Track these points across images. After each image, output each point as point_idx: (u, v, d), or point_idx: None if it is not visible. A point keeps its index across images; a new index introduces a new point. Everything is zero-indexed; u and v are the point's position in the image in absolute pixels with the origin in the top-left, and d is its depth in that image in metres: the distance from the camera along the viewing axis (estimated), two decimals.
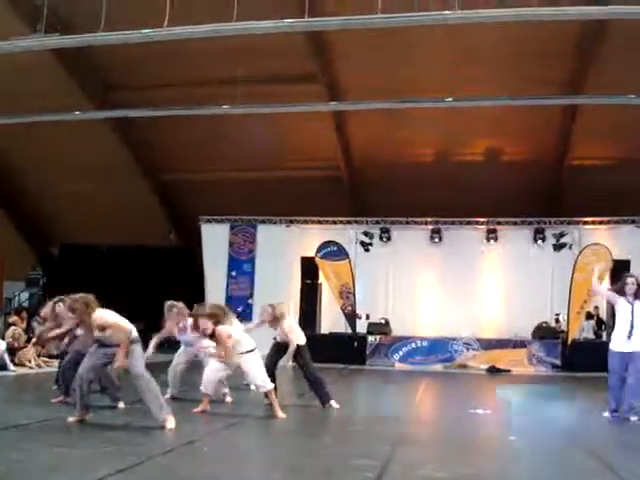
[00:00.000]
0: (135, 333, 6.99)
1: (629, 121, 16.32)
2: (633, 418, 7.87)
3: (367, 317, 18.06)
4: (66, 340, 8.52)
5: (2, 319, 18.89)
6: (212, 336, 7.83)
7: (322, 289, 18.32)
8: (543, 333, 17.12)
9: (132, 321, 6.99)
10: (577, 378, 14.48)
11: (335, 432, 7.59)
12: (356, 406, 10.67)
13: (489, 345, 17.05)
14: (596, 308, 17.06)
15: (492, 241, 18.40)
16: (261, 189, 19.21)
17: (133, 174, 20.42)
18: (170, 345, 9.81)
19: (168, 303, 9.20)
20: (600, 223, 18.35)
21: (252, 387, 8.67)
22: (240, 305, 17.69)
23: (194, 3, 12.20)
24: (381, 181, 19.15)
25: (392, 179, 18.88)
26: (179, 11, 10.70)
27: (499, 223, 18.50)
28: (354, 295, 18.07)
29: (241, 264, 19.51)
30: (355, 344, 17.38)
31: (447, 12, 10.30)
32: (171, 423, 6.74)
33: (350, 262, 18.36)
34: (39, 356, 13.27)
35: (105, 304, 7.01)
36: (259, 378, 7.94)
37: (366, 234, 18.83)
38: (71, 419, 6.89)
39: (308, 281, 18.06)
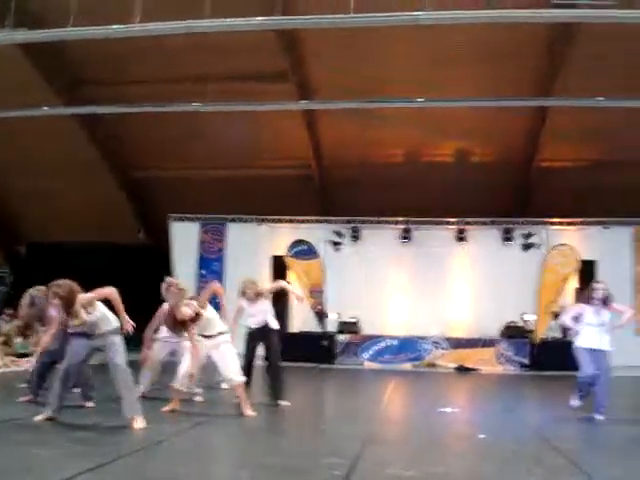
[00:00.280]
0: (117, 323, 6.96)
1: (598, 123, 16.54)
2: (600, 417, 7.99)
3: (337, 316, 18.09)
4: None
5: None
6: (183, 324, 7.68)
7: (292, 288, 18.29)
8: (511, 332, 17.30)
9: None
10: (545, 377, 14.65)
11: (305, 431, 7.60)
12: (326, 405, 10.69)
13: (458, 344, 17.20)
14: (563, 308, 17.25)
15: (461, 241, 18.53)
16: (232, 187, 19.12)
17: (102, 171, 20.20)
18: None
19: (167, 280, 8.25)
20: (568, 224, 18.56)
21: (223, 385, 8.64)
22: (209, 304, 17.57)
23: None
24: (352, 180, 19.18)
25: (363, 179, 18.93)
26: (151, 7, 10.62)
27: (468, 223, 18.64)
28: (324, 294, 18.09)
29: (211, 263, 19.40)
30: (325, 343, 17.41)
31: (418, 13, 10.36)
32: (140, 423, 6.69)
33: (320, 261, 18.38)
34: (6, 355, 13.09)
35: None
36: (230, 370, 7.89)
37: (337, 233, 18.85)
38: (39, 417, 6.81)
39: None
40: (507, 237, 18.35)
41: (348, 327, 17.79)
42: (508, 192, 19.30)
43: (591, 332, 8.14)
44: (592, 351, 8.09)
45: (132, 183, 21.16)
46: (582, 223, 18.38)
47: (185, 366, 7.93)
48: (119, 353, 6.86)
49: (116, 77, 16.80)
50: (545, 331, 17.02)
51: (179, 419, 7.52)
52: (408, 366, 16.99)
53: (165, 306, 8.54)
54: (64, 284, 6.79)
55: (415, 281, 18.48)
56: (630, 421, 8.21)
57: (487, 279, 18.07)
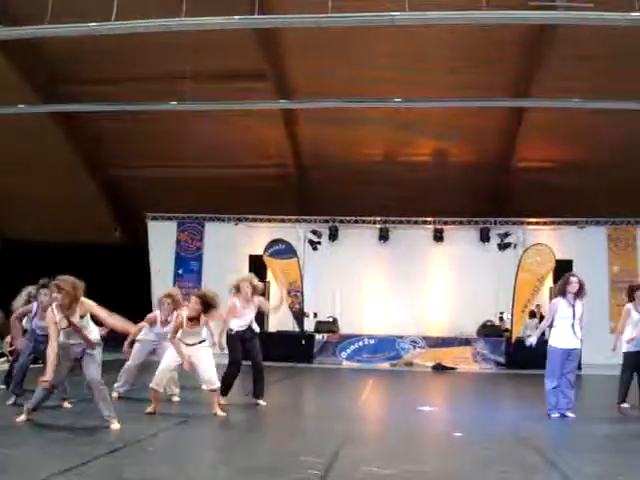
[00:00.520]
0: (98, 336, 6.91)
1: (574, 124, 16.70)
2: (571, 415, 8.07)
3: (315, 315, 18.11)
4: None
5: None
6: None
7: (270, 288, 18.29)
8: (488, 331, 17.43)
9: None
10: (521, 375, 14.76)
11: (283, 430, 7.60)
12: (304, 404, 10.70)
13: (435, 343, 17.29)
14: (538, 306, 17.42)
15: (439, 241, 18.62)
16: (210, 186, 19.05)
17: (78, 169, 20.04)
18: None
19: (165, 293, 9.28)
20: (544, 224, 18.74)
21: (203, 386, 8.62)
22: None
23: None
24: (330, 180, 19.21)
25: (341, 178, 18.96)
26: (129, 5, 10.54)
27: (446, 223, 18.74)
28: (302, 293, 18.11)
29: (188, 262, 19.34)
30: (303, 342, 17.43)
31: (395, 13, 10.38)
32: (116, 423, 6.66)
33: (298, 261, 18.39)
34: None
35: None
36: (208, 374, 7.91)
37: (314, 233, 18.87)
38: (20, 418, 6.76)
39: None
40: (484, 237, 18.48)
41: (326, 326, 17.81)
42: (485, 192, 19.44)
43: (564, 327, 8.20)
44: (565, 353, 8.15)
45: (109, 182, 21.02)
46: (558, 223, 18.58)
47: (164, 366, 7.93)
48: (95, 366, 6.78)
49: (93, 75, 16.67)
50: (521, 330, 17.15)
51: (156, 420, 7.49)
52: (386, 365, 17.04)
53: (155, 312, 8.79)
54: (68, 279, 6.70)
55: (393, 280, 18.54)
56: (605, 419, 8.29)
57: (464, 278, 18.18)
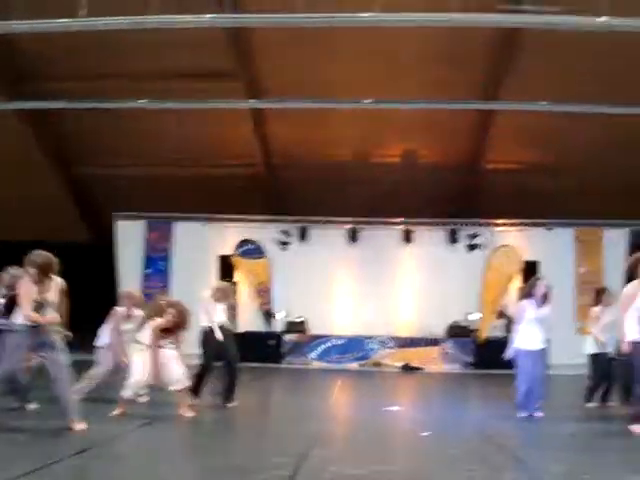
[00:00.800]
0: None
1: (543, 127, 16.85)
2: (539, 414, 8.16)
3: (284, 316, 18.06)
4: None
5: None
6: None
7: (239, 288, 18.23)
8: (456, 332, 17.54)
9: None
10: (489, 375, 14.88)
11: (251, 431, 7.57)
12: (273, 405, 10.68)
13: (404, 343, 17.36)
14: (505, 307, 17.59)
15: (408, 242, 18.69)
16: (179, 186, 18.89)
17: (45, 168, 19.75)
18: None
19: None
20: (512, 225, 18.89)
21: (171, 387, 8.56)
22: None
23: None
24: (300, 180, 19.18)
25: (311, 178, 18.93)
26: (98, 1, 10.42)
27: (415, 224, 18.81)
28: (271, 294, 18.07)
29: (157, 262, 19.15)
30: (272, 343, 17.38)
31: (365, 14, 10.41)
32: (81, 424, 6.57)
33: (268, 261, 18.33)
34: None
35: None
36: (177, 373, 7.87)
37: (284, 233, 18.81)
38: None
39: (225, 280, 17.91)
40: (453, 238, 18.60)
41: (295, 327, 17.78)
42: (454, 193, 19.54)
43: (530, 329, 8.29)
44: (532, 354, 8.24)
45: (76, 180, 20.75)
46: (526, 224, 18.74)
47: (138, 377, 7.87)
48: (61, 352, 6.71)
49: (60, 73, 16.42)
50: (489, 330, 17.29)
51: (123, 420, 7.41)
52: (355, 365, 17.07)
53: (120, 310, 8.72)
54: (42, 253, 6.66)
55: (362, 281, 18.56)
56: (570, 418, 8.39)
57: (433, 279, 18.26)
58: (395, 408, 9.15)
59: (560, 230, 18.47)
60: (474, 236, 18.51)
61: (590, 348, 9.52)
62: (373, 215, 18.62)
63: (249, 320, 17.99)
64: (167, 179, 18.96)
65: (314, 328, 17.94)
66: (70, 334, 7.12)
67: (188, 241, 18.73)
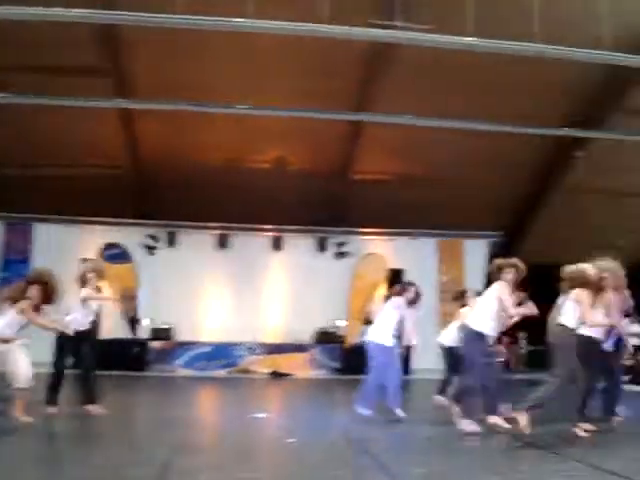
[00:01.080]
0: None
1: (408, 140, 17.40)
2: (402, 414, 8.38)
3: (150, 322, 17.65)
4: None
5: None
6: None
7: (103, 293, 17.60)
8: (323, 338, 17.78)
9: None
10: (355, 380, 15.12)
11: (111, 440, 7.30)
12: (136, 414, 10.37)
13: (272, 350, 17.40)
14: (370, 313, 17.98)
15: (278, 249, 18.76)
16: (40, 186, 18.03)
17: None
18: None
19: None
20: (378, 234, 19.39)
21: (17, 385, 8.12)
22: None
23: None
24: (169, 184, 18.81)
25: (181, 182, 18.61)
26: None
27: (285, 231, 18.92)
28: (137, 299, 17.61)
29: (16, 265, 18.19)
30: (137, 350, 16.94)
31: (239, 19, 10.38)
32: None
33: (134, 265, 17.86)
34: None
35: None
36: (23, 372, 7.50)
37: (152, 237, 18.40)
38: None
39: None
40: (321, 246, 18.85)
41: (161, 333, 17.43)
42: (324, 201, 19.80)
43: (388, 325, 8.56)
44: (387, 349, 8.49)
45: None
46: (392, 233, 19.28)
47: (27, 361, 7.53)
48: None
49: None
50: (355, 336, 17.61)
51: None
52: (222, 372, 16.93)
53: None
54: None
55: (231, 287, 18.45)
56: (431, 421, 8.65)
57: (301, 286, 18.43)
58: (262, 415, 9.12)
59: (424, 240, 19.16)
60: (342, 244, 18.84)
61: (446, 340, 9.82)
62: (243, 221, 18.56)
63: (113, 327, 17.44)
64: (28, 179, 18.06)
65: (181, 335, 17.65)
66: None
67: (50, 244, 17.94)
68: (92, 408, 8.57)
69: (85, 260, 9.34)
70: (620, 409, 8.05)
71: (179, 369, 16.94)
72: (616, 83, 16.34)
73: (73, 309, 8.75)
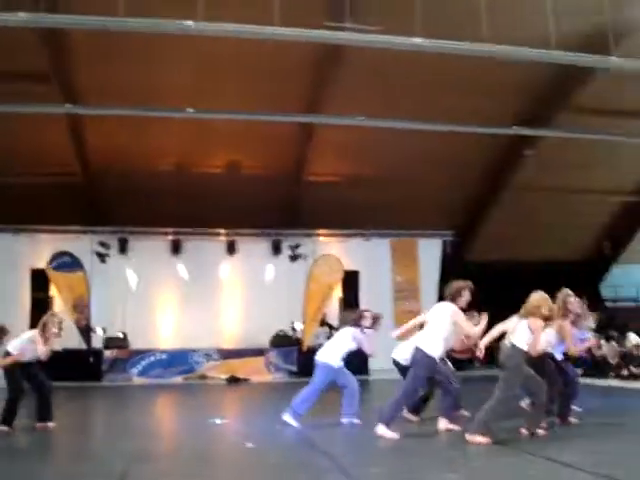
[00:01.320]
0: None
1: (360, 141, 17.49)
2: (355, 421, 8.40)
3: (103, 331, 17.36)
4: None
5: None
6: None
7: (54, 303, 17.29)
8: (280, 341, 17.73)
9: None
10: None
11: (68, 453, 7.17)
12: (91, 424, 10.21)
13: (229, 355, 17.29)
14: (325, 315, 18.04)
15: (232, 253, 18.65)
16: None
17: None
18: None
19: None
20: (333, 236, 19.43)
21: None
22: None
23: None
24: (120, 189, 18.55)
25: (131, 188, 18.36)
26: None
27: (239, 235, 18.82)
28: (89, 308, 17.32)
29: None
30: (90, 360, 16.65)
31: (188, 22, 10.27)
32: None
33: (85, 274, 17.55)
34: None
35: None
36: None
37: (103, 244, 18.09)
38: None
39: (39, 295, 16.99)
40: (276, 248, 18.80)
41: (115, 342, 17.16)
42: (277, 204, 19.78)
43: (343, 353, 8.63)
44: (335, 370, 8.56)
45: None
46: (346, 235, 19.34)
47: None
48: None
49: None
50: (312, 339, 17.61)
51: None
52: (179, 379, 16.75)
53: None
54: None
55: (186, 293, 18.28)
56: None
57: (257, 290, 18.36)
58: (219, 421, 9.04)
59: (378, 240, 19.26)
60: (297, 247, 18.83)
61: (401, 358, 9.60)
62: (196, 226, 18.42)
63: (66, 337, 17.07)
64: None
65: (136, 343, 17.40)
66: None
67: None
68: (48, 424, 8.39)
69: (54, 315, 9.12)
70: (576, 404, 8.22)
71: (135, 378, 16.70)
72: (563, 82, 16.68)
73: (22, 341, 8.54)
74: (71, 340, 17.12)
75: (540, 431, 7.06)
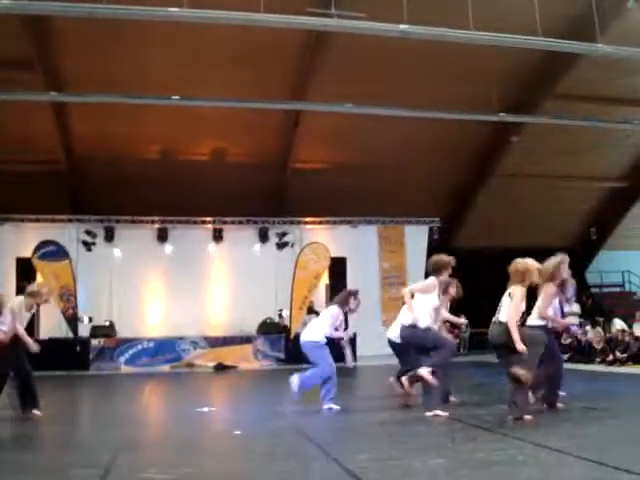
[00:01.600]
0: None
1: (347, 128, 17.49)
2: (334, 407, 8.39)
3: (90, 320, 17.32)
4: None
5: None
6: None
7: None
8: (267, 329, 17.76)
9: None
10: (299, 370, 15.14)
11: (56, 442, 7.14)
12: (79, 414, 10.18)
13: (216, 342, 17.29)
14: (312, 302, 18.07)
15: (218, 240, 18.63)
16: None
17: None
18: None
19: None
20: (319, 223, 19.44)
21: None
22: None
23: None
24: (105, 178, 18.46)
25: (117, 176, 18.28)
26: None
27: (225, 222, 18.79)
28: (76, 297, 17.26)
29: None
30: (77, 349, 16.62)
31: (172, 9, 10.22)
32: None
33: (71, 263, 17.48)
34: None
35: None
36: None
37: (88, 233, 18.03)
38: None
39: (25, 284, 16.86)
40: (263, 236, 18.78)
41: (102, 331, 17.13)
42: (264, 192, 19.75)
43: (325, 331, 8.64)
44: (320, 344, 8.57)
45: None
46: (333, 222, 19.35)
47: None
48: None
49: None
50: (299, 326, 17.64)
51: None
52: (166, 368, 16.74)
53: None
54: None
55: (172, 281, 18.26)
56: (374, 408, 8.71)
57: (244, 277, 18.36)
58: (206, 409, 9.04)
59: (365, 227, 19.30)
60: (284, 234, 18.83)
61: (393, 336, 9.70)
62: (183, 214, 18.37)
63: (52, 326, 17.07)
64: None
65: (123, 331, 17.38)
66: None
67: None
68: (35, 412, 8.35)
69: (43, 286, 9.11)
70: (561, 389, 8.25)
71: (122, 366, 16.68)
72: (549, 69, 16.72)
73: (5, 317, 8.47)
74: (58, 329, 17.13)
75: (527, 417, 7.10)
